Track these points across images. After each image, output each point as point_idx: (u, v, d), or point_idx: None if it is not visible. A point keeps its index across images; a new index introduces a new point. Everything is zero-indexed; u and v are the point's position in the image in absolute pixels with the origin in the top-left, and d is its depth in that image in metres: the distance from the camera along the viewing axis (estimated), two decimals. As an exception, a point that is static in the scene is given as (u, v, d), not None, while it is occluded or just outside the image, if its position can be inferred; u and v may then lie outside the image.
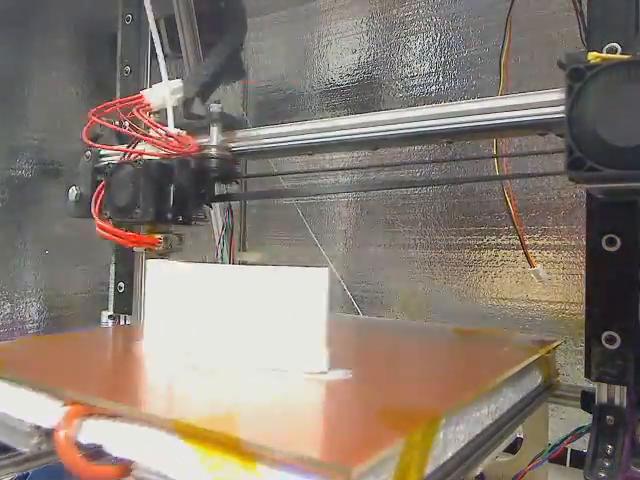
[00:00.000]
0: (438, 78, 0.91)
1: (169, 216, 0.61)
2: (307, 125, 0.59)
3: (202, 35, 0.87)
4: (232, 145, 0.63)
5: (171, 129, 0.62)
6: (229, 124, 0.64)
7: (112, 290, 0.86)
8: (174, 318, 0.51)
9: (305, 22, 1.07)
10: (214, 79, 0.66)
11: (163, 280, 0.53)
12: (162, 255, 0.63)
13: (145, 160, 0.61)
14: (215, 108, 0.63)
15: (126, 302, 0.84)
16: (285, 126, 0.60)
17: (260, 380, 0.43)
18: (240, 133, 0.63)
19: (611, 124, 0.38)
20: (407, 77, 0.94)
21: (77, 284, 0.99)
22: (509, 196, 0.61)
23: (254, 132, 0.62)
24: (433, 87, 0.91)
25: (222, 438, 0.29)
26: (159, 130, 0.61)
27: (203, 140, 0.63)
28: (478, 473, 0.40)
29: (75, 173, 0.77)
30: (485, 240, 0.85)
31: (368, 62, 0.99)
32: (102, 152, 0.77)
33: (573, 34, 0.52)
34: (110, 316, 0.86)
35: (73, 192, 0.76)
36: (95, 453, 0.35)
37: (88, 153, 0.76)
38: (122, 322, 0.84)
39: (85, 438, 0.35)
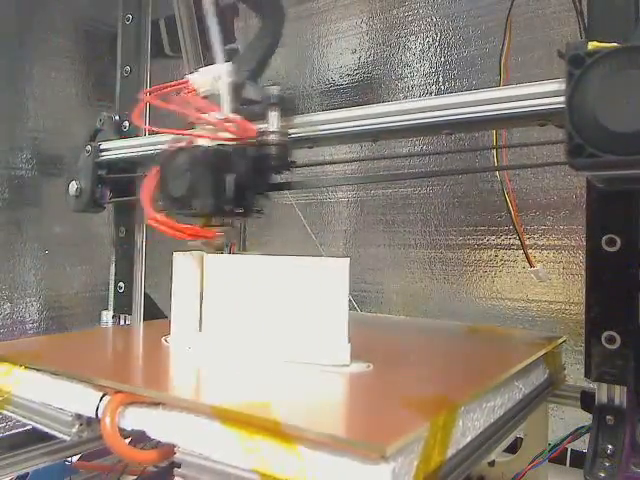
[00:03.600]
0: (438, 78, 0.91)
1: (228, 207, 0.56)
2: (308, 117, 0.58)
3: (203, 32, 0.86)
4: (291, 131, 0.59)
5: (230, 114, 0.57)
6: (287, 109, 0.59)
7: (112, 290, 0.86)
8: (200, 309, 0.53)
9: (305, 22, 1.07)
10: (263, 62, 0.63)
11: (188, 271, 0.55)
12: (219, 250, 0.59)
13: (201, 146, 0.56)
14: (274, 91, 0.58)
15: (126, 302, 0.84)
16: (349, 110, 0.57)
17: (287, 371, 0.45)
18: (299, 119, 0.59)
19: (611, 110, 0.38)
20: (407, 77, 0.94)
21: (77, 284, 0.99)
22: (509, 196, 0.61)
23: (313, 118, 0.59)
24: (433, 87, 0.91)
25: (262, 422, 0.31)
26: (216, 115, 0.56)
27: (261, 126, 0.58)
28: (491, 460, 0.45)
29: (75, 168, 0.77)
30: (485, 240, 0.85)
31: (368, 62, 0.99)
32: (102, 147, 0.77)
33: (573, 34, 0.52)
34: (113, 316, 0.86)
35: (73, 186, 0.77)
36: (136, 439, 0.39)
37: (88, 148, 0.77)
38: (122, 322, 0.84)
39: (128, 425, 0.38)
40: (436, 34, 0.91)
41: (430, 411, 0.34)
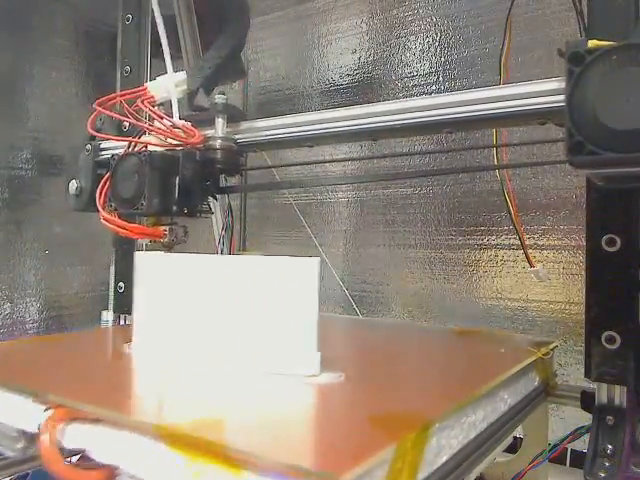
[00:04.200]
0: (438, 78, 0.91)
1: (174, 208, 0.60)
2: (309, 116, 0.60)
3: (204, 32, 0.87)
4: (237, 137, 0.63)
5: (177, 120, 0.62)
6: (233, 116, 0.64)
7: (112, 290, 0.86)
8: (162, 315, 0.50)
9: (305, 22, 1.07)
10: (217, 72, 0.65)
11: (151, 273, 0.52)
12: (167, 247, 0.62)
13: (150, 151, 0.60)
14: (220, 99, 0.63)
15: (126, 302, 0.84)
16: (288, 117, 0.61)
17: (249, 383, 0.42)
18: (245, 125, 0.63)
19: (611, 108, 0.38)
20: (407, 77, 0.94)
21: (77, 284, 0.99)
22: (509, 196, 0.61)
23: (259, 123, 0.62)
24: (433, 87, 0.91)
25: (207, 444, 0.29)
26: (165, 121, 0.61)
27: (208, 132, 0.63)
28: (474, 477, 0.40)
29: (75, 167, 0.77)
30: (485, 240, 0.85)
31: (368, 62, 0.99)
32: (102, 145, 0.77)
33: (573, 34, 0.52)
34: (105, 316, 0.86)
35: (73, 185, 0.77)
36: (81, 458, 0.35)
37: (88, 147, 0.77)
38: (122, 322, 0.84)
39: (69, 442, 0.35)
40: (436, 34, 0.91)
41: (399, 429, 0.32)
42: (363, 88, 0.99)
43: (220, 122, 0.62)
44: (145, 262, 0.52)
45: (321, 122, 0.58)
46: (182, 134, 0.61)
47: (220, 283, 0.47)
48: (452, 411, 0.37)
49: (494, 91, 0.48)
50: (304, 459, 0.28)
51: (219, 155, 0.62)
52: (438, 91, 0.90)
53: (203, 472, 0.28)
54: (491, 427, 0.42)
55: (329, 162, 0.97)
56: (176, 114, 0.62)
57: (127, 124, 0.84)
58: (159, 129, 0.60)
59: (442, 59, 0.90)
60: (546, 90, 0.45)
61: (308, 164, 1.00)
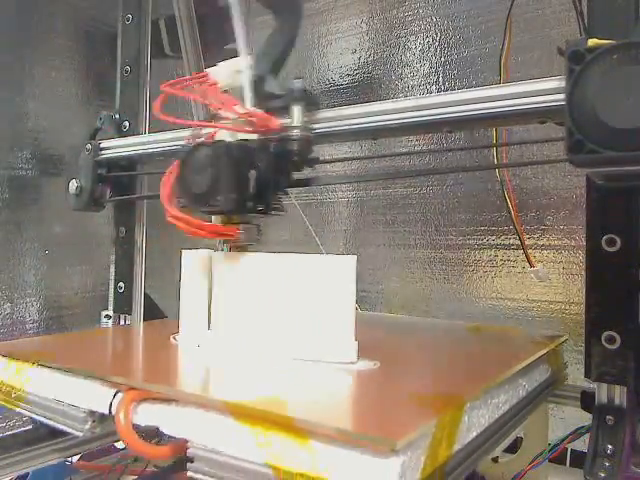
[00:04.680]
0: (438, 78, 0.91)
1: (250, 204, 0.53)
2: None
3: (204, 32, 0.87)
4: (316, 126, 0.57)
5: (251, 108, 0.55)
6: (311, 103, 0.57)
7: (112, 290, 0.86)
8: (208, 308, 0.54)
9: (305, 22, 1.06)
10: (284, 56, 0.61)
11: (197, 270, 0.55)
12: (239, 248, 0.58)
13: (226, 141, 0.54)
14: (298, 84, 0.56)
15: (126, 302, 0.84)
16: (372, 105, 0.56)
17: (295, 368, 0.46)
18: (322, 113, 0.58)
19: (611, 106, 0.38)
20: (407, 77, 0.94)
21: (77, 284, 0.99)
22: (509, 196, 0.61)
23: (337, 112, 0.57)
24: (433, 87, 0.91)
25: (274, 417, 0.32)
26: (238, 109, 0.54)
27: (284, 120, 0.56)
28: (495, 456, 0.47)
29: (76, 167, 0.77)
30: (485, 240, 0.85)
31: (368, 62, 0.99)
32: (102, 145, 0.77)
33: (573, 34, 0.52)
34: (107, 315, 0.86)
35: (73, 185, 0.77)
36: (149, 434, 0.39)
37: (88, 146, 0.77)
38: (122, 322, 0.84)
39: (142, 421, 0.39)
40: (436, 34, 0.91)
41: (437, 407, 0.35)
42: (363, 88, 0.99)
43: (297, 110, 0.56)
44: (191, 259, 0.56)
45: (320, 121, 0.57)
46: (258, 123, 0.54)
47: (266, 278, 0.51)
48: (481, 393, 0.41)
49: (494, 90, 0.48)
50: (361, 428, 0.31)
51: (296, 146, 0.56)
52: (438, 91, 0.90)
53: (271, 443, 0.32)
54: (512, 409, 0.46)
55: (329, 162, 0.97)
56: (249, 101, 0.55)
57: (127, 124, 0.84)
58: (242, 114, 0.54)
59: (442, 59, 0.90)
60: (546, 89, 0.45)
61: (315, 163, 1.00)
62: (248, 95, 0.55)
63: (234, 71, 0.57)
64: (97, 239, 0.98)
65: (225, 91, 0.57)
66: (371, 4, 0.99)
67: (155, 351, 0.57)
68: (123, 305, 0.84)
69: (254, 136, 0.55)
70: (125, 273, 0.85)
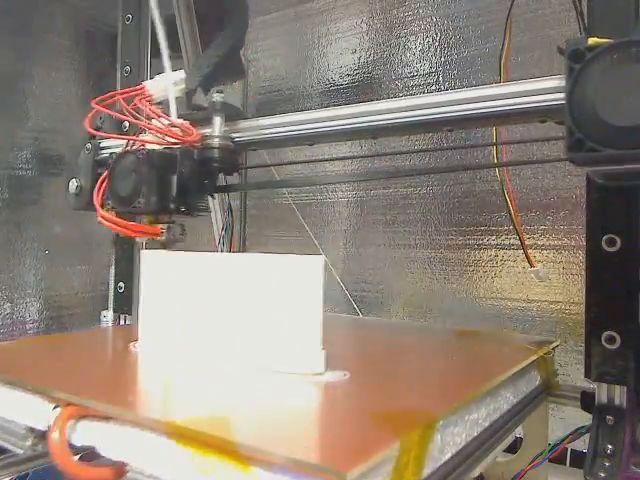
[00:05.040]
0: (438, 78, 0.91)
1: (172, 206, 0.60)
2: (309, 115, 0.59)
3: (204, 31, 0.87)
4: (235, 135, 0.63)
5: (175, 119, 0.61)
6: (231, 114, 0.63)
7: (112, 290, 0.86)
8: (168, 313, 0.50)
9: (305, 22, 1.07)
10: (215, 70, 0.65)
11: (157, 271, 0.52)
12: (164, 246, 0.62)
13: (148, 150, 0.60)
14: (218, 98, 0.62)
15: (126, 302, 0.84)
16: (287, 116, 0.60)
17: (255, 381, 0.43)
18: (242, 123, 0.63)
19: (611, 104, 0.38)
20: (407, 77, 0.94)
21: (77, 284, 0.99)
22: (509, 196, 0.61)
23: (256, 122, 0.62)
24: (433, 87, 0.91)
25: (217, 441, 0.29)
26: (162, 120, 0.61)
27: (206, 130, 0.63)
28: (477, 474, 0.40)
29: (76, 166, 0.77)
30: (485, 240, 0.85)
31: (368, 62, 0.99)
32: (102, 144, 0.77)
33: (573, 34, 0.52)
34: (105, 316, 0.86)
35: (73, 184, 0.77)
36: (90, 454, 0.35)
37: (88, 146, 0.77)
38: (122, 322, 0.84)
39: (79, 440, 0.35)
40: (436, 34, 0.91)
41: (404, 426, 0.32)
42: (363, 88, 0.99)
43: (218, 121, 0.62)
44: (149, 260, 0.53)
45: (320, 120, 0.58)
46: (180, 133, 0.61)
47: (224, 281, 0.47)
48: (455, 409, 0.37)
49: (494, 89, 0.48)
50: (312, 455, 0.28)
51: (216, 154, 0.62)
52: (438, 91, 0.90)
53: (212, 469, 0.29)
54: (493, 425, 0.43)
55: (329, 160, 0.97)
56: (174, 113, 0.62)
57: (127, 123, 0.84)
58: (157, 127, 0.60)
59: (442, 59, 0.90)
60: (546, 88, 0.45)
61: (307, 162, 1.00)
62: (173, 107, 0.62)
63: (168, 84, 0.62)
64: (97, 239, 0.98)
65: (159, 103, 0.63)
66: (371, 4, 0.99)
67: (110, 361, 0.53)
68: (123, 305, 0.84)
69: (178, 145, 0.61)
70: (125, 273, 0.85)
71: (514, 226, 0.63)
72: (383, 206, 0.96)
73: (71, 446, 0.35)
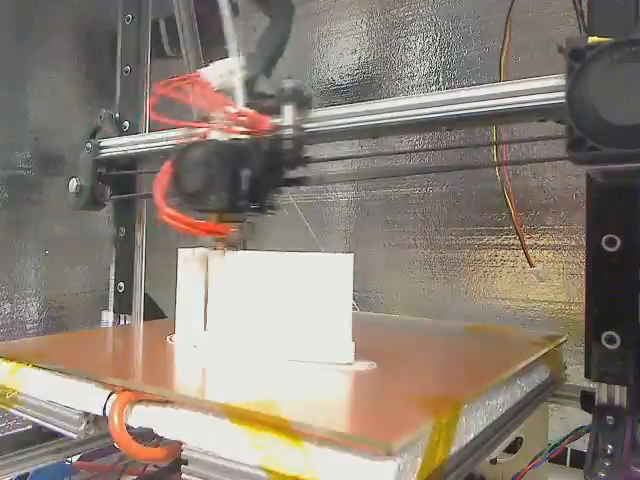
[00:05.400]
0: (438, 78, 0.91)
1: (243, 203, 0.54)
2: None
3: (204, 31, 0.86)
4: (307, 126, 0.58)
5: (243, 107, 0.56)
6: (303, 103, 0.58)
7: (112, 290, 0.86)
8: (204, 308, 0.53)
9: (305, 22, 1.07)
10: (275, 56, 0.62)
11: (193, 269, 0.54)
12: (233, 246, 0.56)
13: (216, 140, 0.54)
14: (289, 84, 0.57)
15: (126, 302, 0.84)
16: (363, 104, 0.56)
17: (291, 369, 0.46)
18: (315, 113, 0.58)
19: (611, 103, 0.38)
20: (407, 77, 0.94)
21: (77, 284, 0.99)
22: (509, 196, 0.61)
23: (329, 112, 0.58)
24: (433, 87, 0.91)
25: (269, 419, 0.32)
26: (230, 109, 0.55)
27: (275, 120, 0.57)
28: (493, 457, 0.46)
29: (76, 165, 0.77)
30: (485, 240, 0.85)
31: (368, 62, 0.99)
32: (102, 144, 0.77)
33: (573, 34, 0.52)
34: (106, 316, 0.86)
35: (73, 184, 0.77)
36: (146, 436, 0.39)
37: (88, 145, 0.77)
38: (122, 322, 0.84)
39: (136, 422, 0.38)
40: (436, 34, 0.91)
41: (434, 409, 0.35)
42: (363, 88, 0.99)
43: (289, 109, 0.57)
44: (187, 258, 0.55)
45: (319, 120, 0.57)
46: (250, 122, 0.55)
47: (262, 278, 0.50)
48: (478, 395, 0.41)
49: (494, 88, 0.48)
50: (358, 429, 0.31)
51: (290, 145, 0.56)
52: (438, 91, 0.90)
53: (266, 444, 0.31)
54: (510, 411, 0.46)
55: (329, 160, 0.97)
56: (241, 100, 0.56)
57: (127, 124, 0.84)
58: (232, 115, 0.55)
59: (442, 59, 0.90)
60: (546, 87, 0.45)
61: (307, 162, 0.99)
62: (240, 95, 0.56)
63: (226, 72, 0.57)
64: (97, 239, 0.98)
65: (218, 91, 0.57)
66: (371, 4, 0.99)
67: (151, 352, 0.57)
68: (123, 305, 0.84)
69: (246, 136, 0.55)
70: (125, 273, 0.85)
71: (514, 226, 0.63)
72: (383, 206, 0.96)
73: (128, 428, 0.38)
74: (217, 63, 0.58)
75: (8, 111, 0.90)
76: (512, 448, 0.58)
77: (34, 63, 0.94)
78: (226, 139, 0.55)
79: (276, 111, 0.57)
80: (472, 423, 0.39)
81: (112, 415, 0.38)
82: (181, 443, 0.35)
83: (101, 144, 0.77)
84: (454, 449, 0.36)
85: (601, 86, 0.39)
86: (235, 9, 0.74)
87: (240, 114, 0.55)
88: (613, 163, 0.40)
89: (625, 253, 0.50)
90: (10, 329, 0.89)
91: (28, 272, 0.92)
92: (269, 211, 0.59)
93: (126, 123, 0.84)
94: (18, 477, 0.61)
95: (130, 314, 0.84)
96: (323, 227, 1.02)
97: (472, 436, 0.39)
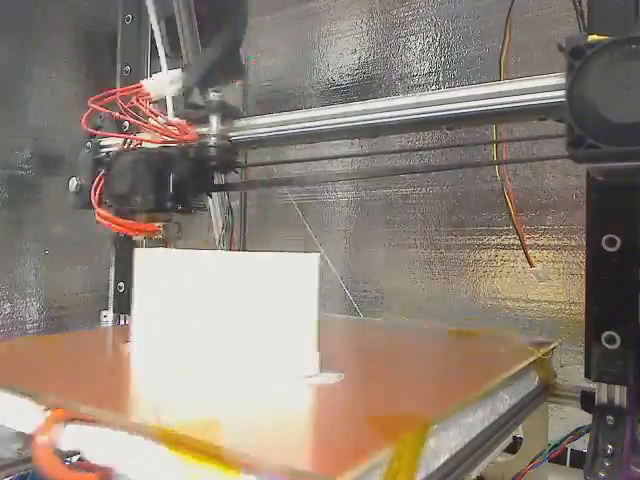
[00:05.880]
0: (438, 78, 0.91)
1: (169, 204, 0.60)
2: (307, 113, 0.59)
3: (202, 30, 0.87)
4: (232, 134, 0.63)
5: (171, 118, 0.62)
6: (229, 113, 0.63)
7: (112, 290, 0.86)
8: (161, 312, 0.50)
9: (305, 22, 1.07)
10: (213, 69, 0.65)
11: (150, 270, 0.52)
12: (162, 244, 0.62)
13: (145, 148, 0.61)
14: (215, 97, 0.62)
15: (126, 302, 0.84)
16: (285, 114, 0.60)
17: (247, 383, 0.42)
18: (239, 122, 0.63)
19: (611, 101, 0.38)
20: (407, 77, 0.94)
21: (77, 284, 0.99)
22: (509, 196, 0.61)
23: (253, 121, 0.62)
24: (433, 87, 0.91)
25: (206, 446, 0.29)
26: (159, 118, 0.61)
27: (203, 129, 0.62)
28: (474, 477, 0.39)
29: (76, 165, 0.77)
30: (485, 240, 0.85)
31: (368, 62, 0.99)
32: (102, 143, 0.77)
33: (573, 34, 0.52)
34: (105, 316, 0.86)
35: (73, 183, 0.77)
36: (77, 460, 0.35)
37: (88, 144, 0.77)
38: (122, 322, 0.84)
39: (66, 444, 0.34)
40: (436, 34, 0.91)
41: (396, 431, 0.32)
42: (363, 88, 0.99)
43: (214, 119, 0.62)
44: (143, 259, 0.53)
45: (319, 119, 0.57)
46: (176, 132, 0.61)
47: (218, 280, 0.47)
48: (451, 412, 0.37)
49: (494, 87, 0.48)
50: (301, 461, 0.28)
51: (212, 152, 0.61)
52: (438, 91, 0.90)
53: (200, 474, 0.28)
54: (490, 428, 0.42)
55: (328, 159, 0.97)
56: (171, 111, 0.62)
57: (127, 124, 0.84)
58: (154, 126, 0.60)
59: (442, 59, 0.90)
60: (546, 86, 0.45)
61: (307, 161, 0.99)
62: (170, 106, 0.62)
63: (166, 83, 0.63)
64: (97, 239, 0.98)
65: (156, 101, 0.63)
66: (371, 4, 0.99)
67: (101, 362, 0.51)
68: (123, 305, 0.84)
69: (175, 144, 0.61)
70: (125, 273, 0.85)
71: (514, 226, 0.63)
72: (383, 206, 0.96)
73: (59, 450, 0.34)
74: (158, 74, 0.64)
75: (8, 111, 0.90)
76: (512, 448, 0.58)
77: (34, 63, 0.94)
78: (157, 147, 0.61)
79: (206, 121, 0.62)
80: (443, 444, 0.35)
81: (38, 435, 0.34)
82: (111, 469, 0.32)
83: (101, 143, 0.77)
84: (419, 477, 0.32)
85: (601, 84, 0.39)
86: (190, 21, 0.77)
87: (169, 124, 0.60)
88: (613, 161, 0.40)
89: (625, 253, 0.50)
90: (10, 329, 0.89)
91: (28, 272, 0.92)
92: (198, 212, 0.64)
93: (126, 123, 0.83)
94: (18, 477, 0.61)
95: (130, 314, 0.84)
96: (323, 227, 1.01)
97: (442, 460, 0.35)
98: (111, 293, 0.86)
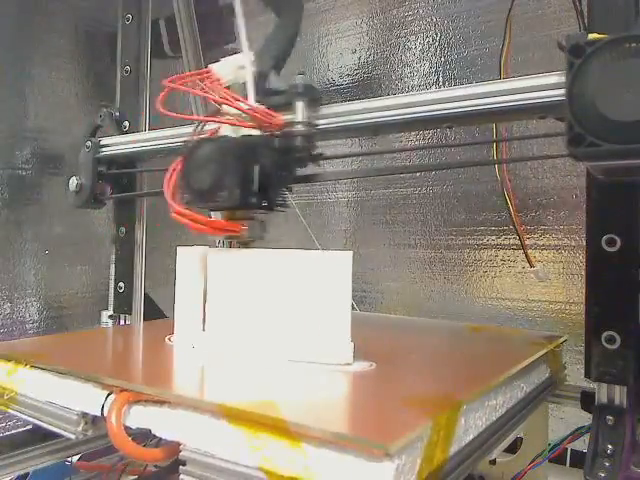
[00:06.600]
0: (438, 78, 0.91)
1: (254, 200, 0.52)
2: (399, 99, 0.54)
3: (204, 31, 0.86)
4: (320, 122, 0.56)
5: (254, 103, 0.54)
6: (315, 99, 0.57)
7: (112, 290, 0.86)
8: (202, 307, 0.53)
9: (305, 22, 1.06)
10: (286, 52, 0.61)
11: (192, 268, 0.54)
12: (244, 244, 0.56)
13: (228, 137, 0.53)
14: (300, 80, 0.56)
15: (126, 302, 0.84)
16: (381, 100, 0.55)
17: (290, 370, 0.46)
18: (327, 109, 0.57)
19: (611, 99, 0.38)
20: (407, 77, 0.94)
21: (77, 284, 0.99)
22: (509, 196, 0.61)
23: (340, 108, 0.56)
24: (433, 87, 0.91)
25: (268, 420, 0.32)
26: (240, 104, 0.53)
27: (287, 116, 0.55)
28: (492, 458, 0.45)
29: (76, 164, 0.77)
30: (485, 240, 0.85)
31: (368, 62, 0.99)
32: (103, 142, 0.77)
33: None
34: (110, 316, 0.86)
35: (73, 182, 0.77)
36: (143, 435, 0.39)
37: (89, 144, 0.77)
38: (122, 322, 0.85)
39: (134, 423, 0.38)
40: (436, 34, 0.91)
41: (433, 409, 0.35)
42: (363, 88, 0.99)
43: (300, 105, 0.55)
44: (186, 257, 0.55)
45: (349, 114, 0.55)
46: (261, 118, 0.54)
47: (259, 276, 0.50)
48: (478, 394, 0.40)
49: (494, 85, 0.48)
50: (356, 431, 0.31)
51: (300, 142, 0.55)
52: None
53: (264, 445, 0.31)
54: (510, 411, 0.46)
55: (328, 158, 0.97)
56: (252, 97, 0.54)
57: (127, 123, 0.84)
58: (246, 111, 0.53)
59: (442, 59, 0.90)
60: (546, 84, 0.45)
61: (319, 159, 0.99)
62: (251, 91, 0.54)
63: (237, 67, 0.55)
64: (97, 239, 0.98)
65: (227, 87, 0.55)
66: (371, 4, 0.99)
67: (149, 352, 0.57)
68: (123, 305, 0.85)
69: (257, 132, 0.54)
70: (125, 273, 0.85)
71: (514, 226, 0.63)
72: (383, 206, 0.96)
73: (127, 429, 0.38)
74: (228, 58, 0.56)
75: (8, 111, 0.90)
76: (512, 448, 0.58)
77: (34, 63, 0.94)
78: (237, 135, 0.53)
79: (286, 108, 0.56)
80: (471, 423, 0.39)
81: (110, 416, 0.38)
82: (179, 444, 0.35)
83: (101, 142, 0.77)
84: (453, 449, 0.36)
85: (601, 82, 0.39)
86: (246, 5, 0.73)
87: (252, 110, 0.53)
88: (613, 159, 0.40)
89: (625, 253, 0.50)
90: (10, 329, 0.89)
91: (28, 272, 0.92)
92: (279, 208, 0.57)
93: (126, 123, 0.84)
94: (18, 477, 0.61)
95: (130, 314, 0.84)
96: (323, 227, 1.02)
97: (471, 437, 0.39)
98: (111, 293, 0.86)
